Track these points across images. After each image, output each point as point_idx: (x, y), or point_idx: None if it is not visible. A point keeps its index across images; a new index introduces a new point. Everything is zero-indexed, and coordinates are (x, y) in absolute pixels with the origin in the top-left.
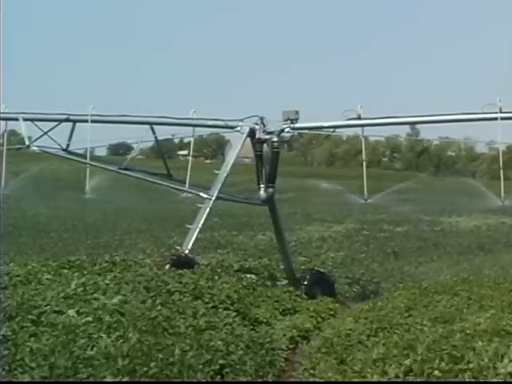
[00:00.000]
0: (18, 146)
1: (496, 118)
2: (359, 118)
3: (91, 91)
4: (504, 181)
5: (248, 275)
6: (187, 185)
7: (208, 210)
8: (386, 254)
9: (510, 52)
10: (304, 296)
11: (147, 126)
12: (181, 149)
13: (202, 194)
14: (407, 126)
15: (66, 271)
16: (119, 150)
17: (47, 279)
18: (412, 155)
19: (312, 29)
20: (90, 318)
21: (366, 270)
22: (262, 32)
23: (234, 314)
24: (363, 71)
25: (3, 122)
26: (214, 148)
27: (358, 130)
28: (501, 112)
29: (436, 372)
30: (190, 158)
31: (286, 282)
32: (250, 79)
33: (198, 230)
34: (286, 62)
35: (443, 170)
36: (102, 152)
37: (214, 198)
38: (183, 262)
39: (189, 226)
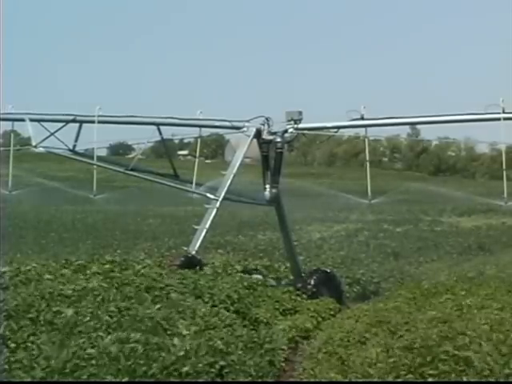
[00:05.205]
0: (18, 147)
1: (499, 119)
2: (362, 118)
3: (97, 92)
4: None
5: (254, 275)
6: (193, 185)
7: (215, 210)
8: (386, 254)
9: None
10: (309, 296)
11: (148, 126)
12: (181, 149)
13: (208, 194)
14: (407, 126)
15: (66, 271)
16: (119, 150)
17: (47, 279)
18: (412, 155)
19: (315, 30)
20: (89, 318)
21: (366, 270)
22: (264, 33)
23: (234, 314)
24: (366, 72)
25: (3, 123)
26: (213, 148)
27: (359, 130)
28: (504, 112)
29: (436, 372)
30: (197, 160)
31: (287, 281)
32: (254, 80)
33: (205, 230)
34: (289, 62)
35: (443, 170)
36: (101, 152)
37: (220, 199)
38: (193, 263)
39: (196, 227)
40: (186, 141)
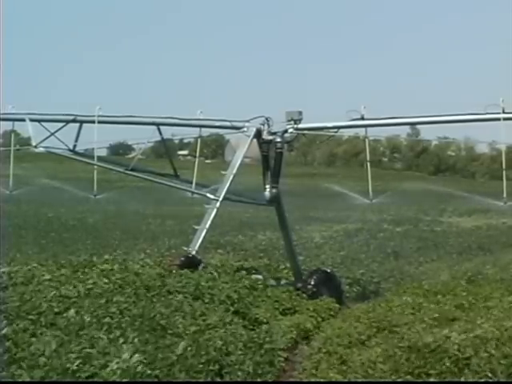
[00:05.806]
0: (18, 147)
1: (499, 119)
2: (362, 118)
3: (97, 92)
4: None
5: (254, 275)
6: (194, 185)
7: (215, 210)
8: (386, 254)
9: None
10: (309, 296)
11: (148, 126)
12: (181, 149)
13: (208, 194)
14: (407, 126)
15: (65, 271)
16: (119, 150)
17: (47, 279)
18: (412, 155)
19: (315, 30)
20: (89, 319)
21: (366, 270)
22: (264, 32)
23: (234, 313)
24: (366, 72)
25: (3, 123)
26: (213, 148)
27: (359, 130)
28: (504, 112)
29: (436, 372)
30: (197, 160)
31: (287, 281)
32: (254, 80)
33: (205, 230)
34: (288, 62)
35: (443, 169)
36: (101, 152)
37: (220, 199)
38: (193, 263)
39: (196, 227)
40: (185, 141)
